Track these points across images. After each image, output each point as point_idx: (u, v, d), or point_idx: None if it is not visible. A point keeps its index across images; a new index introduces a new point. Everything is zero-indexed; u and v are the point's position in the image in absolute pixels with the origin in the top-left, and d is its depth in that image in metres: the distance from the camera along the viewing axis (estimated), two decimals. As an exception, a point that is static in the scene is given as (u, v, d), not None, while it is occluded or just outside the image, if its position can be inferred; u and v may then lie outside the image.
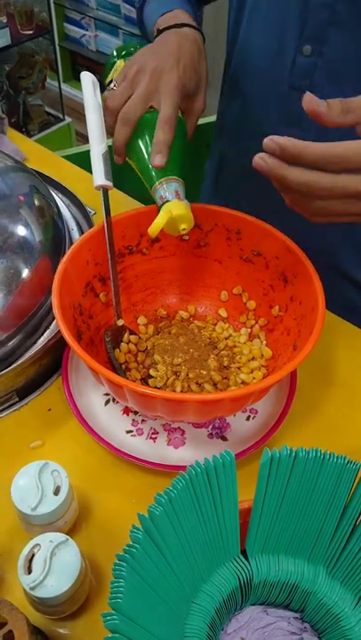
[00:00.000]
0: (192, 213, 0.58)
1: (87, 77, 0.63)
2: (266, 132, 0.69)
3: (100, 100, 0.63)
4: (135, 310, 0.68)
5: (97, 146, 0.60)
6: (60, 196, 0.77)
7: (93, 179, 0.59)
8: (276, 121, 0.68)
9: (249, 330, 0.65)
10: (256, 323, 0.65)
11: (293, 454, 0.40)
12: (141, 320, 0.67)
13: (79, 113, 2.61)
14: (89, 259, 0.61)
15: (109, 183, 0.59)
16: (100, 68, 2.61)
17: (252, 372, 0.61)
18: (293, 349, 0.56)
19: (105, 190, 0.60)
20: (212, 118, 1.10)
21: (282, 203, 0.49)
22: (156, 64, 0.57)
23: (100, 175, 0.59)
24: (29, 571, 0.43)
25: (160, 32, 0.62)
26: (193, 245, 0.66)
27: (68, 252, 0.58)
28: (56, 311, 0.52)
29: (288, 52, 0.63)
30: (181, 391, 0.58)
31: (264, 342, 0.64)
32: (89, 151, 1.05)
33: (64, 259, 0.57)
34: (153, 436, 0.59)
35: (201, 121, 0.66)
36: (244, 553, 0.44)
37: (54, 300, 0.53)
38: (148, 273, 0.67)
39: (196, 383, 0.59)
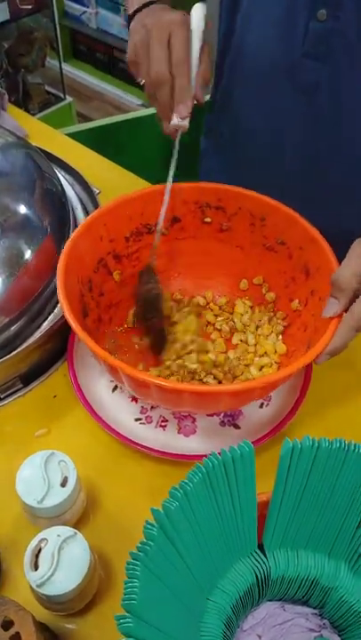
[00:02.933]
0: (219, 194, 0.58)
1: (200, 10, 0.58)
2: (274, 104, 0.66)
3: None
4: None
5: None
6: (64, 173, 0.74)
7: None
8: (287, 90, 0.65)
9: (266, 323, 0.63)
10: (274, 315, 0.62)
11: (316, 445, 0.38)
12: None
13: (80, 92, 2.56)
14: (103, 234, 0.58)
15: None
16: (101, 47, 2.55)
17: (261, 369, 0.59)
18: (308, 349, 0.53)
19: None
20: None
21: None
22: (154, 22, 0.55)
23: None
24: (36, 567, 0.41)
25: (131, 18, 0.60)
26: (215, 229, 0.63)
27: (81, 225, 0.55)
28: (60, 290, 0.50)
29: (300, 19, 0.60)
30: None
31: (280, 337, 0.61)
32: (91, 129, 1.02)
33: (75, 231, 0.54)
34: (163, 423, 0.56)
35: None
36: (261, 547, 0.42)
37: (59, 272, 0.51)
38: (167, 254, 0.64)
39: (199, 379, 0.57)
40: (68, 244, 0.54)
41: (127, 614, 0.32)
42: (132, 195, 0.59)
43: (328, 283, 0.51)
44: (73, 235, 0.55)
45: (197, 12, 0.57)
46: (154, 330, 0.60)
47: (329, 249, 0.54)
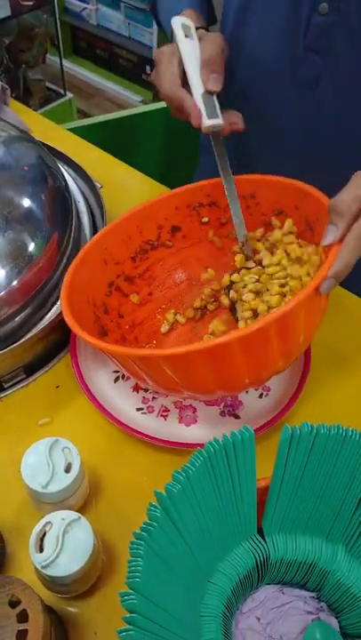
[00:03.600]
0: (206, 190, 0.57)
1: (176, 22, 0.59)
2: (276, 97, 0.67)
3: (193, 41, 0.59)
4: (175, 305, 0.65)
5: (197, 88, 0.57)
6: (66, 168, 0.75)
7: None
8: (289, 83, 0.66)
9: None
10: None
11: (315, 431, 0.39)
12: (180, 318, 0.64)
13: (80, 89, 2.56)
14: (107, 258, 0.59)
15: (218, 121, 0.56)
16: (102, 44, 2.55)
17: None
18: None
19: (215, 132, 0.57)
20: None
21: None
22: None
23: (204, 116, 0.55)
24: (41, 549, 0.42)
25: None
26: (216, 225, 0.63)
27: (79, 253, 0.56)
28: (66, 312, 0.50)
29: (303, 12, 0.61)
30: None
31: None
32: (92, 125, 1.02)
33: (74, 260, 0.56)
34: (164, 413, 0.57)
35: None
36: (260, 532, 0.43)
37: (63, 297, 0.52)
38: (179, 265, 0.64)
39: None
40: (68, 272, 0.54)
41: (131, 591, 0.33)
42: (124, 215, 0.60)
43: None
44: (73, 263, 0.55)
45: (174, 23, 0.59)
46: None
47: (322, 195, 0.52)
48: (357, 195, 0.45)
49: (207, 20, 0.67)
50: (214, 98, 0.56)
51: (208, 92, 0.56)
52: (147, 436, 0.54)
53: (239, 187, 0.60)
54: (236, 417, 0.57)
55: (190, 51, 0.57)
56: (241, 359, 0.44)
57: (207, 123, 0.55)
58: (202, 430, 0.56)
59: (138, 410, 0.57)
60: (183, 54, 0.58)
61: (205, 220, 0.64)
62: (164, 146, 1.20)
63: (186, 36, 0.58)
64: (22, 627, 0.34)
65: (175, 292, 0.66)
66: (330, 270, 0.44)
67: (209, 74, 0.57)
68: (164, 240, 0.63)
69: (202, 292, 0.65)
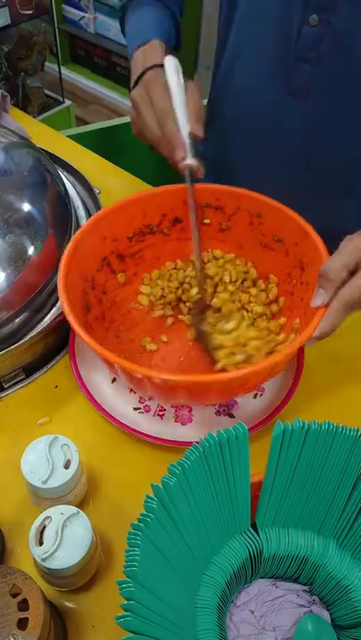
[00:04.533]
0: (217, 194, 0.62)
1: (171, 62, 0.62)
2: (269, 106, 0.69)
3: (182, 83, 0.62)
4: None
5: (183, 128, 0.60)
6: (66, 174, 0.76)
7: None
8: (282, 92, 0.67)
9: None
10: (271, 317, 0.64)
11: (306, 427, 0.40)
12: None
13: (77, 96, 2.58)
14: (107, 234, 0.60)
15: (196, 162, 0.59)
16: (100, 52, 2.58)
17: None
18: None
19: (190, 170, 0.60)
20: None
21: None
22: (136, 93, 0.62)
23: (189, 155, 0.59)
24: (40, 543, 0.43)
25: (139, 77, 0.64)
26: (215, 229, 0.65)
27: (84, 225, 0.58)
28: (60, 286, 0.52)
29: (294, 23, 0.62)
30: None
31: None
32: (91, 132, 1.04)
33: (79, 231, 0.57)
34: (160, 412, 0.59)
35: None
36: (254, 526, 0.44)
37: (62, 269, 0.53)
38: (169, 254, 0.67)
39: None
40: (70, 242, 0.55)
41: (129, 580, 0.34)
42: (133, 196, 0.61)
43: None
44: (76, 234, 0.57)
45: (169, 63, 0.62)
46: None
47: (321, 243, 0.55)
48: (345, 263, 0.49)
49: (173, 47, 0.72)
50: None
51: (194, 136, 0.60)
52: (143, 434, 0.55)
53: (250, 203, 0.62)
54: (231, 416, 0.58)
55: (180, 93, 0.60)
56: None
57: (190, 161, 0.59)
58: (197, 429, 0.57)
59: (135, 409, 0.59)
60: (174, 96, 0.60)
61: (207, 221, 0.65)
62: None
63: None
64: (23, 615, 0.35)
65: (157, 276, 0.68)
66: (316, 330, 0.49)
67: (198, 120, 0.60)
68: (163, 227, 0.65)
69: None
